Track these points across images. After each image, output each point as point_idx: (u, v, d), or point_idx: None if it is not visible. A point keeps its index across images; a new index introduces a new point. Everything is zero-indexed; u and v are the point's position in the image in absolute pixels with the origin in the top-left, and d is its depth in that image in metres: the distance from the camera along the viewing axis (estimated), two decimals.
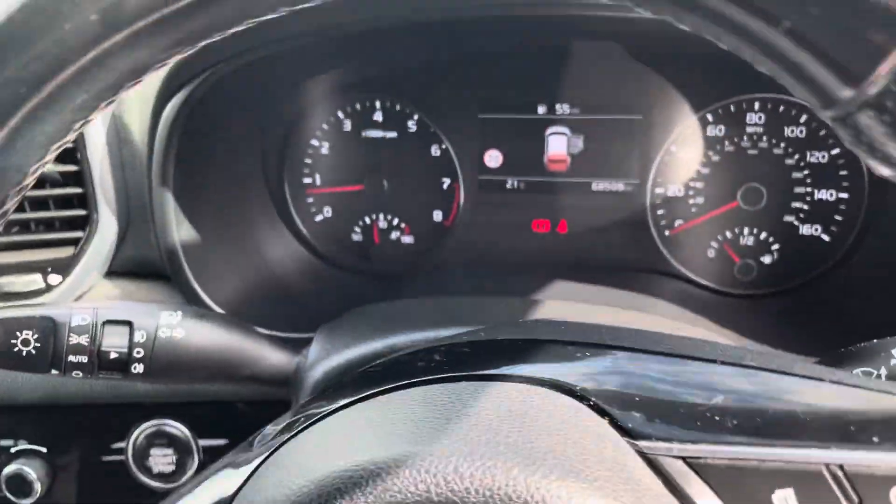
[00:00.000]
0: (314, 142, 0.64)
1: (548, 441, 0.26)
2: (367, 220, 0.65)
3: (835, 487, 0.26)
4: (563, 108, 0.60)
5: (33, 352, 0.40)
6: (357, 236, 0.65)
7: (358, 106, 0.63)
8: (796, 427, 0.28)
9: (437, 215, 0.64)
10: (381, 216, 0.65)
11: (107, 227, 0.54)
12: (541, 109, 0.60)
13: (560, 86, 0.59)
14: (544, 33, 0.55)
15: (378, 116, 0.62)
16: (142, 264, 0.55)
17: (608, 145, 0.60)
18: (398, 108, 0.62)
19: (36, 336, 0.40)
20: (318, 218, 0.65)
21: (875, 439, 0.27)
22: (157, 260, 0.54)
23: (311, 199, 0.65)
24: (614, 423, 0.29)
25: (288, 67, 0.58)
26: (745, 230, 0.59)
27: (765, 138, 0.57)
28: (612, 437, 0.28)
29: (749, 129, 0.57)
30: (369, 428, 0.28)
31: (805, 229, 0.58)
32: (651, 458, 0.27)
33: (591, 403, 0.29)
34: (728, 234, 0.59)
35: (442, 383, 0.31)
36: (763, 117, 0.57)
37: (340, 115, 0.63)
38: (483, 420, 0.27)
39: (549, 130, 0.61)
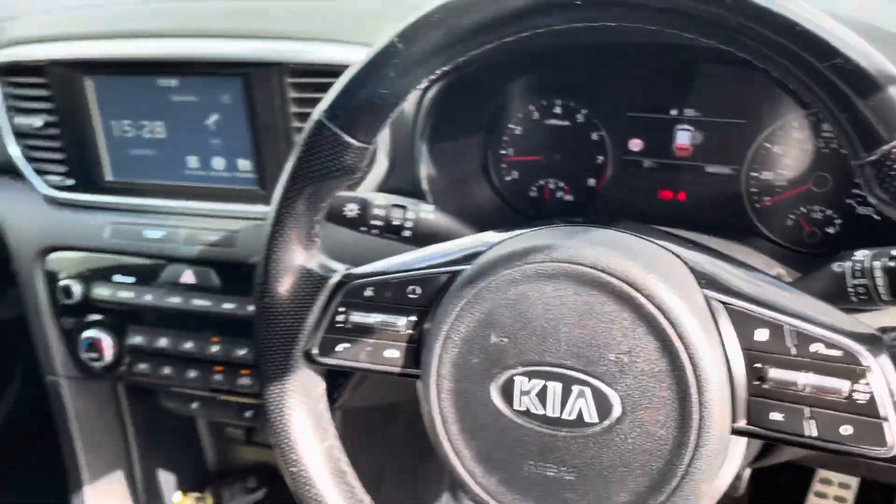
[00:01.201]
0: (511, 125, 0.93)
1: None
2: (541, 182, 0.93)
3: None
4: (688, 111, 0.85)
5: (354, 215, 0.72)
6: (533, 193, 0.94)
7: (544, 102, 0.91)
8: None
9: (591, 181, 0.91)
10: (551, 180, 0.93)
11: (380, 166, 0.86)
12: (672, 111, 0.86)
13: (688, 95, 0.84)
14: (683, 58, 0.82)
15: (557, 110, 0.91)
16: (399, 193, 0.87)
17: (720, 139, 0.85)
18: (572, 105, 0.90)
19: (358, 208, 0.71)
20: (508, 178, 0.94)
21: None
22: (409, 191, 0.85)
23: (504, 165, 0.94)
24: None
25: (499, 72, 0.88)
26: (815, 207, 0.81)
27: (835, 141, 0.80)
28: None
29: (824, 134, 0.80)
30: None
31: (861, 210, 0.80)
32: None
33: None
34: (802, 209, 0.82)
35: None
36: None
37: (531, 107, 0.92)
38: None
39: (678, 127, 0.86)
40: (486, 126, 0.92)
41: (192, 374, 0.97)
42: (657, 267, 0.51)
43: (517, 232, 0.59)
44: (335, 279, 0.60)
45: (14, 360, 1.73)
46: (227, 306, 0.94)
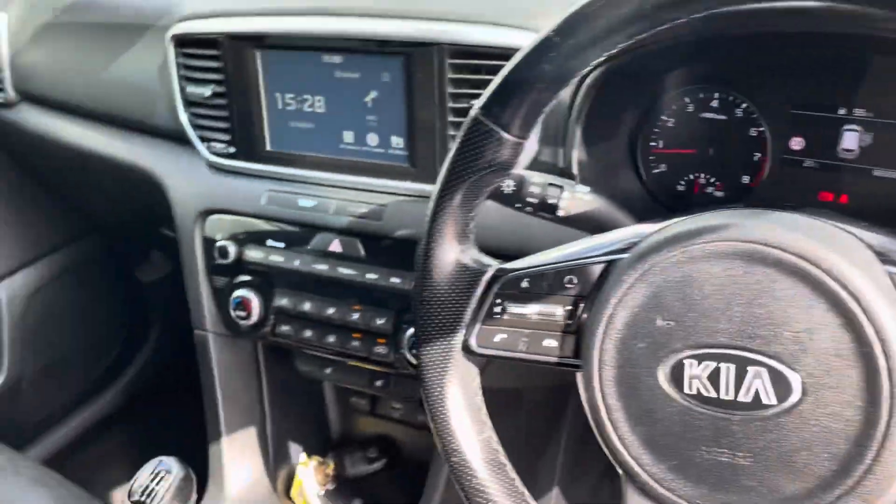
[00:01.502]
0: (664, 117, 0.92)
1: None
2: (691, 177, 0.92)
3: None
4: (858, 111, 0.82)
5: (511, 191, 0.73)
6: (681, 187, 0.92)
7: (701, 94, 0.90)
8: None
9: (745, 179, 0.89)
10: (702, 175, 0.91)
11: (530, 145, 0.87)
12: (841, 111, 0.83)
13: (858, 93, 0.81)
14: (854, 51, 0.78)
15: (715, 103, 0.89)
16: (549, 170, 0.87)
17: (893, 142, 0.80)
18: (731, 98, 0.88)
19: (515, 185, 0.73)
20: (655, 170, 0.93)
21: None
22: (556, 173, 0.86)
23: (652, 157, 0.93)
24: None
25: (656, 62, 0.87)
26: None
27: None
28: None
29: None
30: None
31: None
32: None
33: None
34: None
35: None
36: None
37: (686, 99, 0.90)
38: None
39: (845, 127, 0.83)
40: (638, 116, 0.92)
41: (331, 338, 1.01)
42: (834, 243, 0.50)
43: (676, 219, 0.59)
44: (490, 273, 0.61)
45: (152, 319, 1.85)
46: (370, 276, 0.97)
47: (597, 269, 0.57)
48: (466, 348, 0.62)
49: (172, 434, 1.80)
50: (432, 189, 0.93)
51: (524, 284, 0.60)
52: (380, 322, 0.96)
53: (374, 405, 1.24)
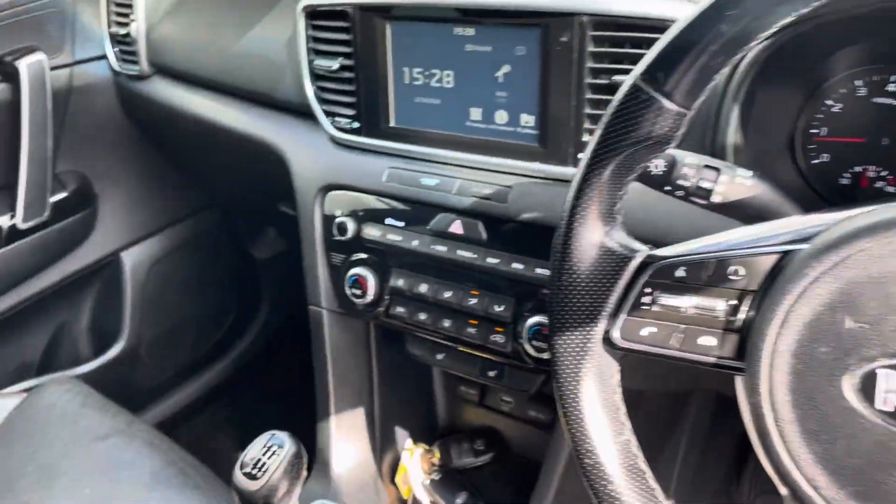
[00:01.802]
0: (828, 101, 0.82)
1: None
2: (858, 169, 0.82)
3: None
4: None
5: (660, 172, 0.66)
6: (845, 180, 0.83)
7: (875, 77, 0.80)
8: None
9: None
10: (872, 167, 0.81)
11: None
12: None
13: None
14: None
15: (892, 87, 0.79)
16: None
17: None
18: None
19: (665, 166, 0.66)
20: (816, 160, 0.84)
21: None
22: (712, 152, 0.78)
23: (813, 146, 0.84)
24: None
25: (826, 39, 0.78)
26: None
27: None
28: None
29: None
30: None
31: None
32: None
33: None
34: None
35: None
36: None
37: (858, 82, 0.81)
38: None
39: None
40: (800, 99, 0.83)
41: (446, 323, 0.98)
42: None
43: (873, 206, 0.51)
44: (638, 259, 0.56)
45: (264, 295, 1.88)
46: (491, 261, 0.93)
47: (768, 261, 0.50)
48: (608, 341, 0.56)
49: (278, 408, 1.83)
50: (561, 171, 0.88)
51: (679, 273, 0.53)
52: (498, 309, 0.91)
53: (484, 396, 1.20)
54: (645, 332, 0.55)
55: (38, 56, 1.31)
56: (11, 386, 1.45)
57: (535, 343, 0.89)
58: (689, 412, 1.16)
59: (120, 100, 1.47)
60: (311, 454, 1.14)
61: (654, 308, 0.55)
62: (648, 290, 0.55)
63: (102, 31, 1.43)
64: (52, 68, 1.34)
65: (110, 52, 1.43)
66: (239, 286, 1.87)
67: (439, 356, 1.08)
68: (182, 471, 1.15)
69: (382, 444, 1.16)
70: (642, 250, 0.57)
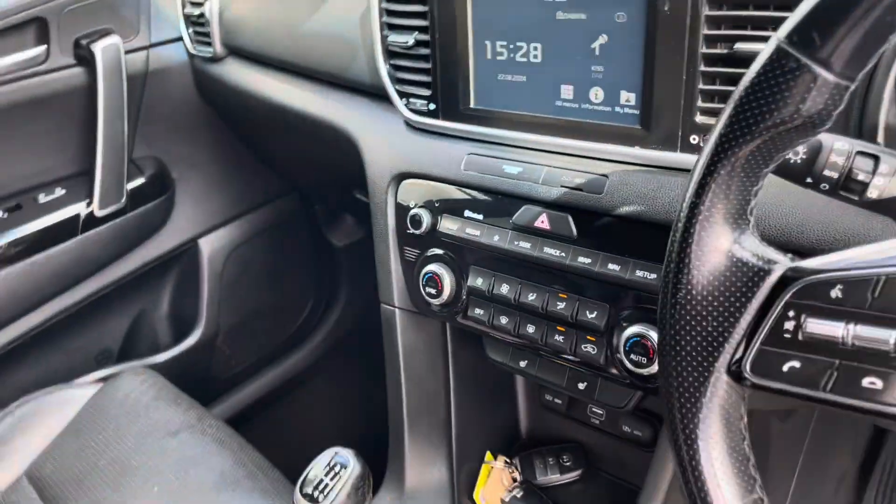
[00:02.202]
0: None
1: None
2: None
3: None
4: None
5: (799, 161, 0.53)
6: None
7: None
8: None
9: None
10: None
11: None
12: None
13: None
14: None
15: None
16: None
17: None
18: None
19: (807, 153, 0.53)
20: None
21: None
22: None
23: None
24: None
25: None
26: None
27: None
28: None
29: None
30: None
31: None
32: None
33: None
34: None
35: None
36: None
37: None
38: None
39: None
40: None
41: (531, 328, 0.87)
42: None
43: None
44: (778, 273, 0.44)
45: (342, 284, 1.83)
46: (583, 260, 0.81)
47: None
48: (735, 375, 0.45)
49: (349, 410, 1.78)
50: (667, 158, 0.76)
51: (835, 294, 0.41)
52: (591, 316, 0.80)
53: (571, 406, 1.09)
54: (787, 367, 0.43)
55: (114, 39, 1.28)
56: (91, 373, 1.44)
57: (633, 357, 0.77)
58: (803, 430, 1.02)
59: (195, 83, 1.43)
60: (381, 464, 1.06)
61: (800, 337, 0.43)
62: (792, 313, 0.43)
63: (177, 13, 1.38)
64: (127, 51, 1.31)
65: (185, 33, 1.38)
66: (317, 274, 1.82)
67: (522, 363, 0.97)
68: (251, 473, 1.10)
69: (459, 456, 1.07)
70: (782, 261, 0.45)
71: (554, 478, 1.05)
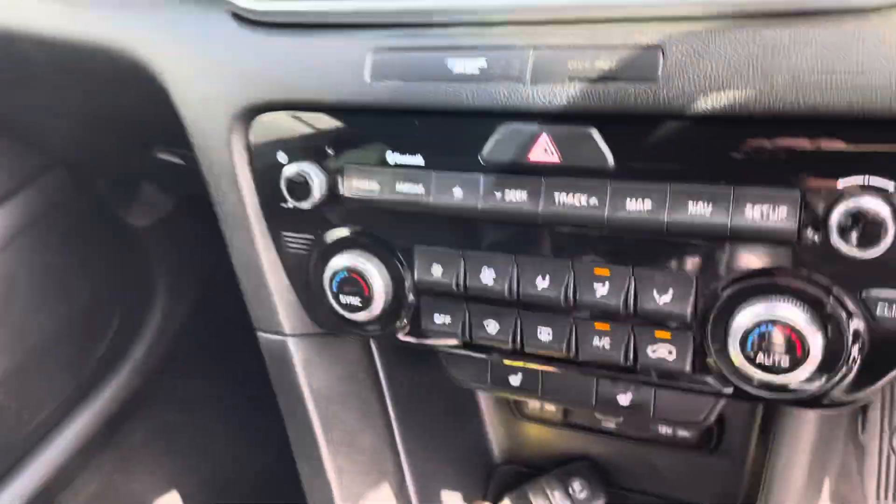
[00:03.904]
0: None
1: None
2: None
3: None
4: None
5: None
6: None
7: None
8: None
9: None
10: None
11: None
12: None
13: None
14: None
15: None
16: None
17: None
18: None
19: None
20: None
21: None
22: None
23: None
24: None
25: None
26: None
27: None
28: None
29: None
30: None
31: None
32: None
33: None
34: None
35: None
36: None
37: None
38: None
39: None
40: None
41: (545, 335, 0.54)
42: None
43: None
44: None
45: (156, 279, 1.39)
46: (634, 207, 0.48)
47: None
48: None
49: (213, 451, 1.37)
50: None
51: None
52: (663, 299, 0.48)
53: (568, 409, 0.75)
54: None
55: None
56: None
57: (761, 358, 0.45)
58: None
59: None
60: None
61: None
62: None
63: None
64: None
65: None
66: (117, 274, 1.33)
67: (514, 380, 0.61)
68: None
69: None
70: None
71: None
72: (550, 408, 0.75)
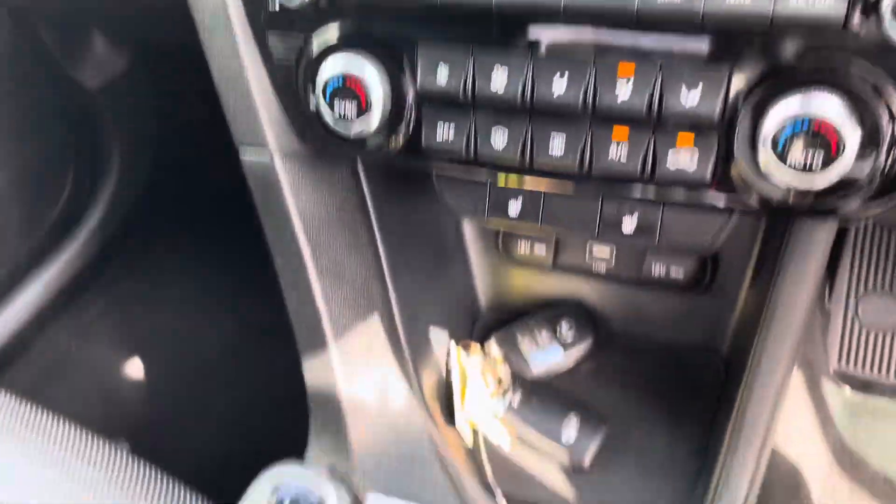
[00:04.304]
0: None
1: None
2: None
3: None
4: None
5: None
6: None
7: None
8: None
9: None
10: None
11: None
12: None
13: None
14: None
15: None
16: None
17: None
18: None
19: None
20: None
21: None
22: None
23: None
24: None
25: None
26: None
27: None
28: None
29: None
30: None
31: None
32: None
33: None
34: None
35: None
36: None
37: None
38: None
39: None
40: None
41: (557, 144, 0.49)
42: None
43: None
44: None
45: (110, 146, 1.32)
46: None
47: None
48: None
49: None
50: None
51: None
52: (690, 97, 0.44)
53: (559, 252, 0.72)
54: None
55: None
56: None
57: (791, 158, 0.42)
58: None
59: None
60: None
61: None
62: None
63: None
64: None
65: None
66: (73, 137, 1.25)
67: (513, 205, 0.58)
68: None
69: (415, 359, 0.68)
70: None
71: (554, 361, 0.70)
72: (540, 251, 0.73)
